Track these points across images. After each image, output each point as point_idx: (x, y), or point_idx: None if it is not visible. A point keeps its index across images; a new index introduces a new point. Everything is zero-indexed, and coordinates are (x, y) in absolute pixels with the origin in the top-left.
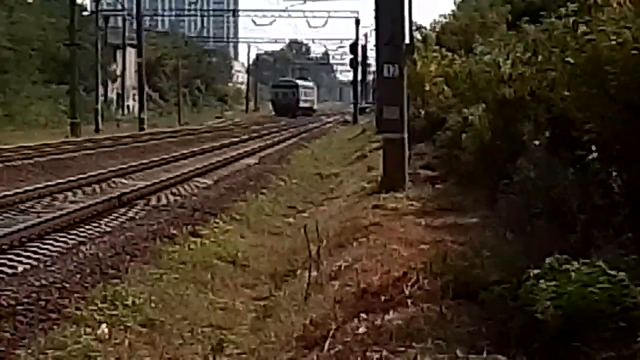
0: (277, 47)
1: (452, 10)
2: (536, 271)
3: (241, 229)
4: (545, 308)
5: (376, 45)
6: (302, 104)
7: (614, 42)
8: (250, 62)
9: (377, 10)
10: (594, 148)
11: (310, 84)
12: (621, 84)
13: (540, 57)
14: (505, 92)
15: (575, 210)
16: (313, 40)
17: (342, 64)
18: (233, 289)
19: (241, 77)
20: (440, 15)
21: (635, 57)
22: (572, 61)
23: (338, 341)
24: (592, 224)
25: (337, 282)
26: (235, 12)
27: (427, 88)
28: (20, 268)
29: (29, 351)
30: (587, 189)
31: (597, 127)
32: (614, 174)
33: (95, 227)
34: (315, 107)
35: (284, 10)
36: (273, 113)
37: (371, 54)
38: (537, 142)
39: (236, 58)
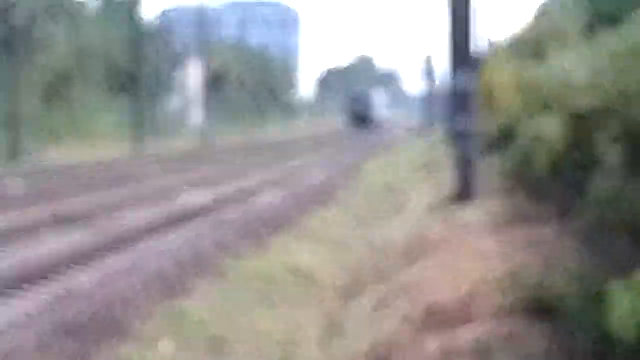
0: (345, 59)
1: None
2: (611, 287)
3: (309, 243)
4: (620, 325)
5: (449, 57)
6: (378, 116)
7: None
8: (318, 74)
9: (452, 21)
10: None
11: (382, 95)
12: None
13: (616, 67)
14: (579, 104)
15: None
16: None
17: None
18: (300, 304)
19: (308, 89)
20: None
21: None
22: None
23: (406, 358)
24: None
25: (405, 297)
26: (301, 24)
27: (499, 99)
28: (87, 284)
29: None
30: None
31: None
32: None
33: (160, 241)
34: (385, 118)
35: None
36: (341, 125)
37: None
38: (613, 155)
39: (302, 70)
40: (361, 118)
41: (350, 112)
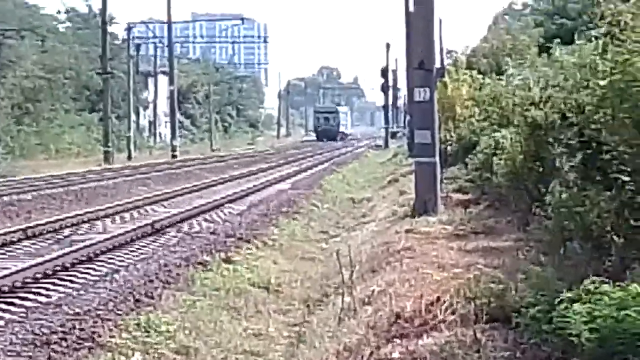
0: (308, 72)
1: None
2: (571, 294)
3: (274, 255)
4: (580, 331)
5: (407, 69)
6: (342, 129)
7: None
8: (281, 87)
9: (408, 34)
10: (627, 170)
11: (346, 109)
12: None
13: (570, 81)
14: (536, 116)
15: (609, 233)
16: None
17: (373, 89)
18: (266, 315)
19: (272, 103)
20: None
21: None
22: (601, 84)
23: None
24: (626, 247)
25: (370, 307)
26: (265, 39)
27: (459, 111)
28: (55, 296)
29: None
30: (621, 211)
31: (629, 150)
32: None
33: (128, 254)
34: (348, 131)
35: None
36: (305, 139)
37: (402, 78)
38: (569, 165)
39: (267, 84)
40: (328, 131)
41: (317, 125)
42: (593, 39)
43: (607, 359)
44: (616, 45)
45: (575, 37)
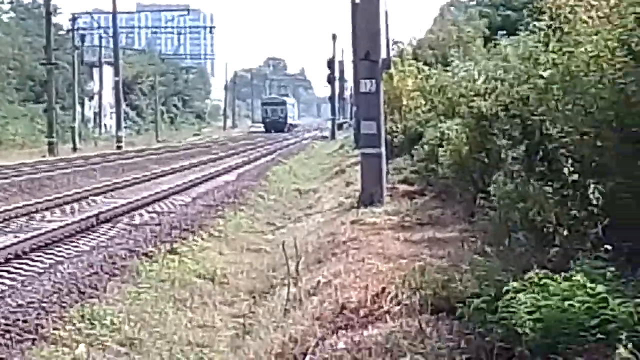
0: (254, 64)
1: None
2: (515, 285)
3: (219, 246)
4: (524, 322)
5: (353, 61)
6: (289, 120)
7: (589, 55)
8: (228, 79)
9: (354, 25)
10: (570, 161)
11: (293, 100)
12: (596, 97)
13: (512, 72)
14: (480, 107)
15: (553, 224)
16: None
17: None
18: (212, 306)
19: (218, 94)
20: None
21: (611, 67)
22: (544, 75)
23: (317, 358)
24: (569, 237)
25: (315, 298)
26: (211, 29)
27: (405, 102)
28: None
29: None
30: (565, 202)
31: (572, 141)
32: (592, 186)
33: (72, 246)
34: (295, 122)
35: None
36: (252, 130)
37: (348, 69)
38: (513, 156)
39: (213, 75)
40: (275, 123)
41: (265, 117)
42: (537, 30)
43: (551, 349)
44: (558, 37)
45: (520, 29)
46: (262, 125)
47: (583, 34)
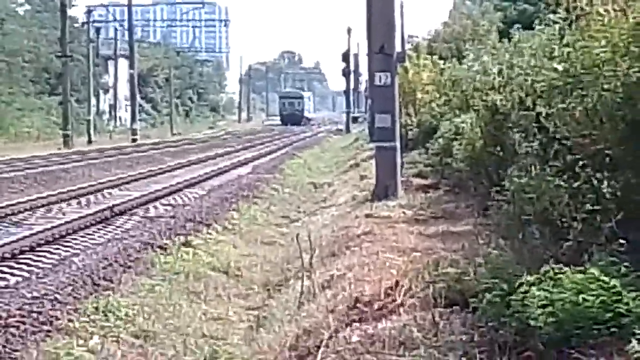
0: (269, 57)
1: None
2: (529, 279)
3: (234, 239)
4: (537, 315)
5: (368, 54)
6: (305, 114)
7: (604, 49)
8: (243, 72)
9: (368, 18)
10: (583, 155)
11: (309, 94)
12: (611, 91)
13: (526, 65)
14: (494, 100)
15: (567, 218)
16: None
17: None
18: (226, 299)
19: (233, 87)
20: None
21: (625, 62)
22: (558, 68)
23: (331, 350)
24: (584, 231)
25: (329, 291)
26: (226, 23)
27: (419, 96)
28: (13, 280)
29: None
30: (579, 196)
31: (580, 140)
32: (605, 180)
33: (87, 238)
34: (311, 116)
35: None
36: (267, 123)
37: (363, 63)
38: (527, 150)
39: (228, 68)
40: (293, 116)
41: (282, 110)
42: (552, 23)
43: (565, 343)
44: (574, 31)
45: (535, 22)
46: (276, 118)
47: (599, 28)
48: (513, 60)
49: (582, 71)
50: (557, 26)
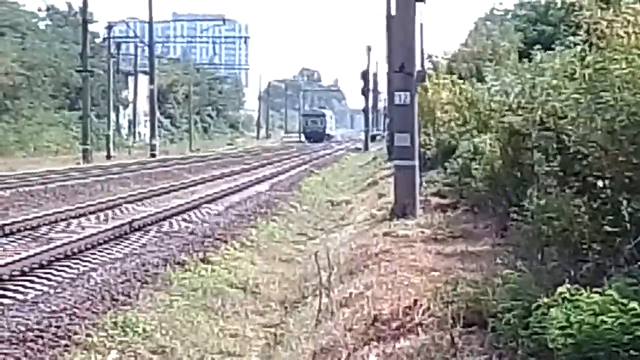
0: (288, 74)
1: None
2: (547, 300)
3: (252, 256)
4: (556, 337)
5: (387, 73)
6: (327, 131)
7: (624, 71)
8: (262, 89)
9: (388, 37)
10: (603, 176)
11: (330, 112)
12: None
13: (547, 85)
14: (513, 121)
15: (586, 239)
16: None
17: (352, 91)
18: (244, 315)
19: (252, 104)
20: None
21: None
22: (579, 89)
23: None
24: (603, 253)
25: (347, 309)
26: (246, 40)
27: (438, 115)
28: (31, 294)
29: None
30: (598, 217)
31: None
32: (625, 201)
33: (106, 253)
34: (332, 133)
35: None
36: (285, 140)
37: (382, 81)
38: (547, 171)
39: (247, 85)
40: (315, 133)
41: (305, 127)
42: (572, 45)
43: None
44: (594, 52)
45: (556, 43)
46: (296, 135)
47: (618, 50)
48: (535, 80)
49: (602, 92)
50: (578, 47)
